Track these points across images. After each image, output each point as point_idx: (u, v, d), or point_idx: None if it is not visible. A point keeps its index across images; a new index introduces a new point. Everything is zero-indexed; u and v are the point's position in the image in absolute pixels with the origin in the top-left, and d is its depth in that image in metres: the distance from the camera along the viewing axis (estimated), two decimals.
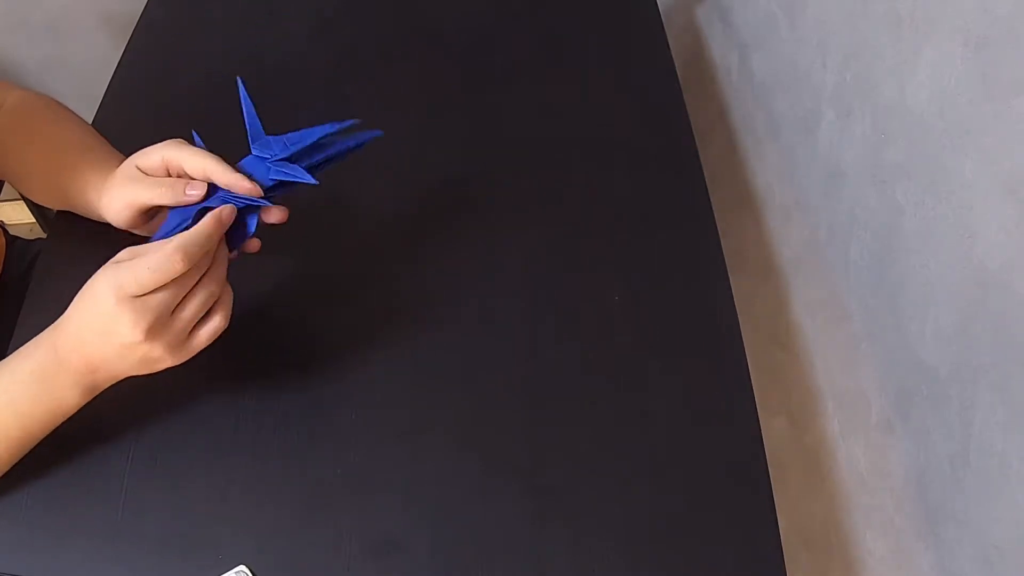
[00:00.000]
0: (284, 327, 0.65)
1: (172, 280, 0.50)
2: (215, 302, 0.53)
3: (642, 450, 0.61)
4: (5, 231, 0.88)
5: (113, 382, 0.55)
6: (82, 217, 0.68)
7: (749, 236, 0.94)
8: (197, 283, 0.52)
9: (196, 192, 0.56)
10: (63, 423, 0.56)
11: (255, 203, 0.56)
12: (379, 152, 0.78)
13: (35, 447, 0.56)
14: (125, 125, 0.68)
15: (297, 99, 0.82)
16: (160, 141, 0.66)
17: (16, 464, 0.56)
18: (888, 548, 0.66)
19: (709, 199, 0.76)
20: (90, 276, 0.52)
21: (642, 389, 0.64)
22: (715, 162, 1.01)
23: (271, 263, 0.70)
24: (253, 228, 0.57)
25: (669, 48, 0.90)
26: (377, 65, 0.86)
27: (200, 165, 0.55)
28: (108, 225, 0.67)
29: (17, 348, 0.55)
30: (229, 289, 0.55)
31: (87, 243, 0.69)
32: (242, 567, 0.53)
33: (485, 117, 0.82)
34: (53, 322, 0.55)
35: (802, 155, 0.80)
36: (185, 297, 0.51)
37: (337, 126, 0.58)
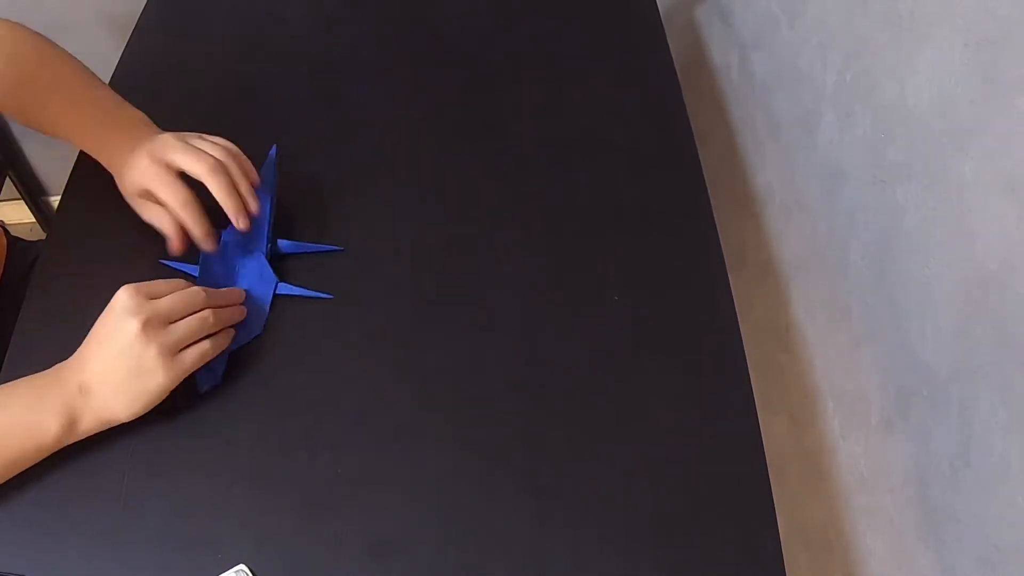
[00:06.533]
0: (283, 327, 0.65)
1: (181, 295, 0.56)
2: (213, 333, 0.58)
3: (642, 450, 0.61)
4: (6, 231, 0.88)
5: (97, 423, 0.55)
6: (83, 218, 0.68)
7: (749, 236, 0.94)
8: (201, 310, 0.57)
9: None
10: None
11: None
12: (378, 152, 0.78)
13: None
14: None
15: (297, 100, 0.82)
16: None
17: None
18: (888, 548, 0.66)
19: (709, 199, 0.76)
20: (90, 277, 0.52)
21: (642, 389, 0.64)
22: (715, 162, 1.01)
23: None
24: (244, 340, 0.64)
25: (669, 48, 0.90)
26: (377, 65, 0.86)
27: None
28: (109, 225, 0.67)
29: (17, 348, 0.55)
30: (230, 331, 0.61)
31: (87, 244, 0.69)
32: (242, 567, 0.53)
33: (485, 117, 0.82)
34: (53, 322, 0.55)
35: (802, 155, 0.80)
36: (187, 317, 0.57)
37: (270, 176, 0.68)
